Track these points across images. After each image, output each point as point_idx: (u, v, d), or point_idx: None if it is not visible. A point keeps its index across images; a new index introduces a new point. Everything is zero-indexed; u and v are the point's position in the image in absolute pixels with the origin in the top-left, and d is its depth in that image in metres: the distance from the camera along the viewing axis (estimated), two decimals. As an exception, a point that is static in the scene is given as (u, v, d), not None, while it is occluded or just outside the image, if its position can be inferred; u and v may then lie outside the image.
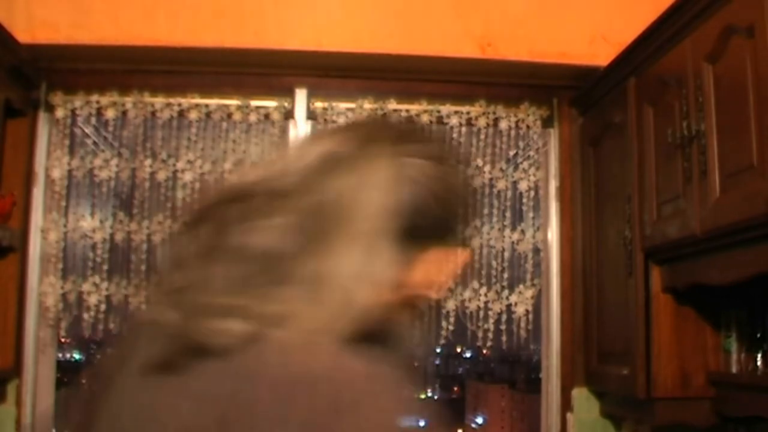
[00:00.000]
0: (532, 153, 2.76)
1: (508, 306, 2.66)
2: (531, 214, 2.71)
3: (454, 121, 2.69)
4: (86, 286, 2.58)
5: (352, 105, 2.67)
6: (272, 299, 0.80)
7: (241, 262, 0.82)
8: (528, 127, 2.72)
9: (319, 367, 0.76)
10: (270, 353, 0.77)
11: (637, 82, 2.24)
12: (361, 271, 0.84)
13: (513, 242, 2.68)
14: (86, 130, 2.72)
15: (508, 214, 2.69)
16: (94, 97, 2.62)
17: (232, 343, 0.77)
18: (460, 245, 0.98)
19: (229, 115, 2.65)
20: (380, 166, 0.88)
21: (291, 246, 0.83)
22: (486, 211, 2.69)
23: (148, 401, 0.80)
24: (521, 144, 2.77)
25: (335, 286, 0.83)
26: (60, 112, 2.60)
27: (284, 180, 0.86)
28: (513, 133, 2.72)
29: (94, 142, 2.74)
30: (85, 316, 2.56)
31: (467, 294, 2.65)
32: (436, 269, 0.94)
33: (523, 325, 2.65)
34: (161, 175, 2.62)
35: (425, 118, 2.68)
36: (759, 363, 1.97)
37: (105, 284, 2.58)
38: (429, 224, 0.89)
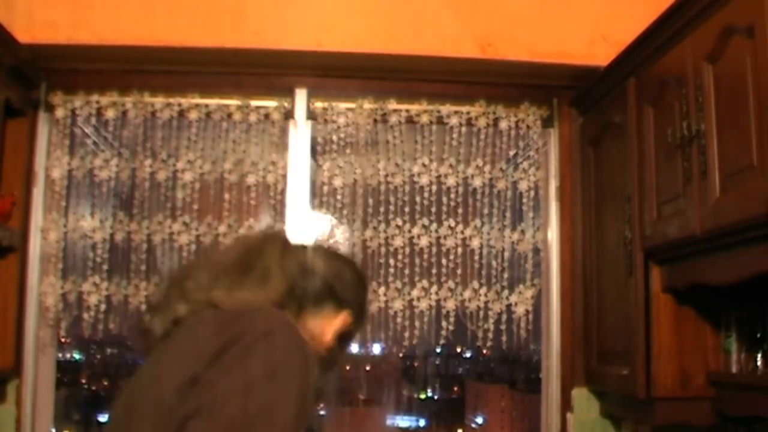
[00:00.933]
0: (532, 153, 2.76)
1: (508, 306, 2.66)
2: (531, 214, 2.71)
3: (454, 121, 2.69)
4: (86, 286, 2.58)
5: (352, 105, 2.67)
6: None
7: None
8: (528, 127, 2.72)
9: (246, 311, 1.24)
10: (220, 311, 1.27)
11: (637, 82, 2.24)
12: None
13: (513, 242, 2.68)
14: (86, 130, 2.72)
15: (508, 214, 2.69)
16: (94, 97, 2.62)
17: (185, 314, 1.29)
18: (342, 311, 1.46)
19: (229, 115, 2.65)
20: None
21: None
22: (486, 211, 2.69)
23: (153, 360, 1.27)
24: (521, 144, 2.77)
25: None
26: (60, 112, 2.60)
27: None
28: (513, 133, 2.72)
29: (94, 142, 2.74)
30: (85, 316, 2.57)
31: (467, 294, 2.65)
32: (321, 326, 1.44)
33: (523, 325, 2.65)
34: (161, 175, 2.62)
35: (425, 118, 2.68)
36: (759, 363, 1.97)
37: (105, 284, 2.58)
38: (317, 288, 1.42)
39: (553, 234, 2.72)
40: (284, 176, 2.66)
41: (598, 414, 2.61)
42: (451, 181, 2.68)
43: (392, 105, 2.67)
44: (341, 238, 2.66)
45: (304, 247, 1.47)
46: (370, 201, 2.66)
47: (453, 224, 2.66)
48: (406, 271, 2.64)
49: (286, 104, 2.67)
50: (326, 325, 1.44)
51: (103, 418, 4.11)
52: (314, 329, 1.39)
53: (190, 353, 1.16)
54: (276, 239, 1.47)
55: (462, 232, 2.66)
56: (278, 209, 2.65)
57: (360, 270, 1.58)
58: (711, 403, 2.09)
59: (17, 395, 2.49)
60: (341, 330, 1.46)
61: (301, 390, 1.13)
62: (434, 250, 2.65)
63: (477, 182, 2.68)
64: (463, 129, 2.70)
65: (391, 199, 2.66)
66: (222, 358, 1.12)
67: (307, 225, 2.66)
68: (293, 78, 2.68)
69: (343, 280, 1.46)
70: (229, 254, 1.44)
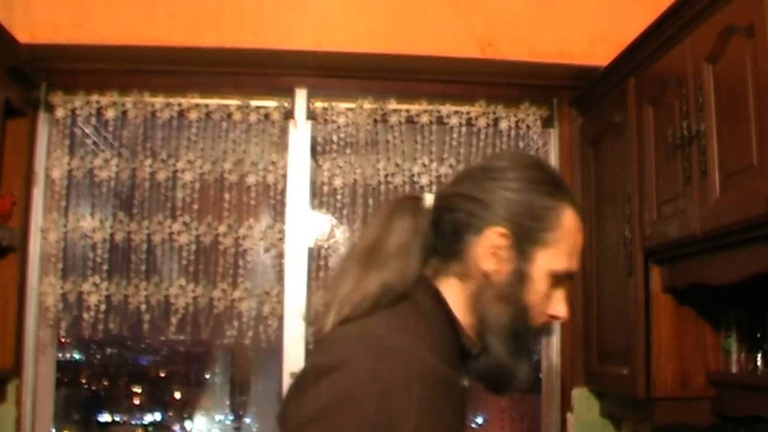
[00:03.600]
0: (532, 153, 2.76)
1: (508, 306, 2.65)
2: (531, 214, 2.71)
3: (454, 121, 2.69)
4: (86, 286, 2.58)
5: (352, 105, 2.67)
6: None
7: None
8: (528, 127, 2.72)
9: (330, 338, 1.12)
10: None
11: (637, 82, 2.24)
12: None
13: (513, 242, 2.68)
14: (86, 130, 2.72)
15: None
16: (94, 97, 2.62)
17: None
18: None
19: (229, 115, 2.65)
20: None
21: None
22: (486, 211, 2.68)
23: None
24: (521, 144, 2.77)
25: None
26: (60, 112, 2.60)
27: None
28: (513, 133, 2.72)
29: (94, 142, 2.74)
30: (85, 316, 2.56)
31: (467, 294, 2.64)
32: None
33: (523, 325, 2.65)
34: (161, 175, 2.62)
35: (425, 118, 2.68)
36: (759, 363, 1.97)
37: (105, 284, 2.58)
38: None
39: (553, 234, 2.72)
40: (284, 176, 2.66)
41: (598, 414, 2.61)
42: (451, 181, 2.67)
43: (392, 105, 2.67)
44: (341, 238, 2.66)
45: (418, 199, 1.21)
46: (370, 201, 2.66)
47: (453, 224, 2.66)
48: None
49: (286, 104, 2.67)
50: (475, 258, 1.14)
51: (102, 418, 4.11)
52: (468, 270, 1.14)
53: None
54: (399, 209, 1.20)
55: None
56: (278, 209, 2.65)
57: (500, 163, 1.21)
58: (711, 403, 2.09)
59: (17, 395, 2.49)
60: (499, 248, 1.13)
61: (368, 428, 0.97)
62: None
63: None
64: (463, 129, 2.70)
65: (391, 199, 2.66)
66: (288, 402, 1.04)
67: (307, 225, 2.66)
68: (293, 78, 2.68)
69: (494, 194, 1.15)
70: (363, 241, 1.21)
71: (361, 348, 1.02)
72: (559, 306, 1.16)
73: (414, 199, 1.21)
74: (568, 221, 1.16)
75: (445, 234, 1.16)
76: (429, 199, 1.20)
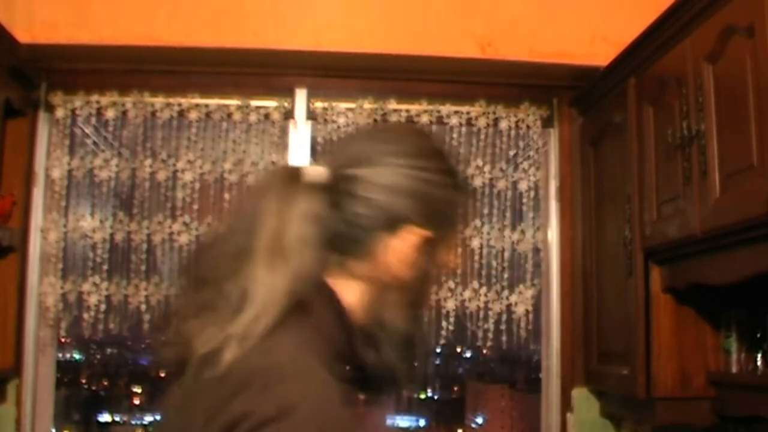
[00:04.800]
0: (532, 153, 2.76)
1: (508, 306, 2.66)
2: (531, 214, 2.71)
3: (454, 121, 2.68)
4: (86, 286, 2.57)
5: (352, 105, 2.67)
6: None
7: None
8: (528, 127, 2.72)
9: (258, 374, 0.89)
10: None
11: (637, 82, 2.23)
12: None
13: (513, 242, 2.68)
14: (86, 130, 2.72)
15: (508, 214, 2.69)
16: (94, 97, 2.62)
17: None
18: None
19: (229, 115, 2.65)
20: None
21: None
22: (486, 211, 2.69)
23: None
24: (521, 144, 2.77)
25: None
26: (60, 112, 2.60)
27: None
28: (513, 133, 2.72)
29: (94, 142, 2.74)
30: (85, 316, 2.56)
31: (467, 294, 2.64)
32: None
33: (523, 325, 2.65)
34: (161, 175, 2.62)
35: (425, 118, 2.68)
36: (759, 363, 1.97)
37: (105, 284, 2.58)
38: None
39: (553, 234, 2.72)
40: (284, 176, 2.65)
41: (598, 414, 2.61)
42: (451, 181, 2.67)
43: (392, 105, 2.67)
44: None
45: (297, 173, 1.00)
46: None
47: (453, 224, 2.66)
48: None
49: (286, 104, 2.67)
50: (386, 260, 1.00)
51: (102, 418, 4.10)
52: (375, 272, 1.00)
53: None
54: (272, 187, 0.99)
55: (462, 232, 2.66)
56: (278, 209, 2.65)
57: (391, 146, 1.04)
58: (711, 403, 2.09)
59: (17, 395, 2.49)
60: (415, 251, 1.00)
61: None
62: (434, 250, 2.64)
63: (477, 182, 2.68)
64: (463, 129, 2.70)
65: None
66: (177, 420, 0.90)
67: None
68: (293, 78, 2.68)
69: (379, 186, 0.99)
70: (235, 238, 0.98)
71: (297, 390, 0.85)
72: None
73: (297, 172, 1.00)
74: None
75: (348, 225, 0.98)
76: (316, 174, 1.00)
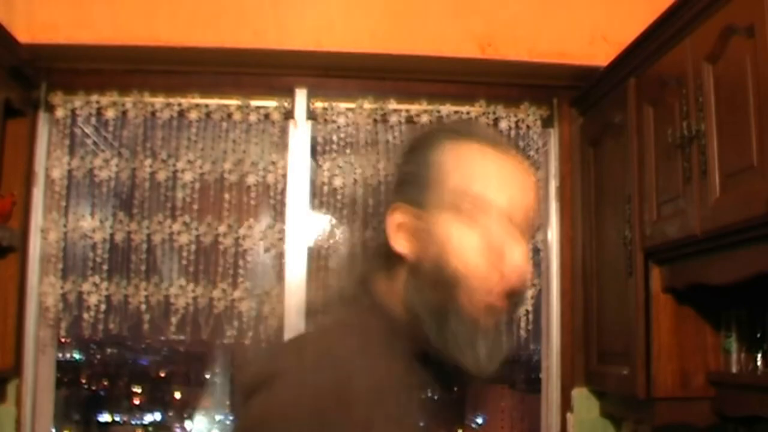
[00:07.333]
0: (532, 153, 2.76)
1: (508, 306, 2.65)
2: (531, 214, 2.71)
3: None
4: (86, 286, 2.58)
5: (352, 105, 2.67)
6: None
7: None
8: (528, 127, 2.72)
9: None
10: None
11: (637, 82, 2.23)
12: None
13: (513, 242, 2.68)
14: (86, 130, 2.72)
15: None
16: (94, 97, 2.62)
17: None
18: None
19: (229, 115, 2.65)
20: None
21: None
22: (486, 211, 2.68)
23: None
24: (521, 144, 2.77)
25: None
26: (60, 112, 2.60)
27: None
28: (513, 133, 2.72)
29: (94, 142, 2.74)
30: (85, 316, 2.56)
31: (467, 294, 2.64)
32: None
33: (523, 325, 2.65)
34: (161, 175, 2.62)
35: (425, 118, 2.68)
36: (759, 363, 1.97)
37: (105, 284, 2.58)
38: None
39: (553, 234, 2.72)
40: (284, 176, 2.66)
41: (598, 414, 2.61)
42: (451, 181, 2.67)
43: (392, 105, 2.67)
44: (341, 238, 2.66)
45: None
46: (370, 201, 2.66)
47: (453, 224, 2.65)
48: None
49: (286, 104, 2.67)
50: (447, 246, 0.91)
51: (103, 418, 4.10)
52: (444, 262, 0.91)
53: None
54: None
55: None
56: (278, 209, 2.65)
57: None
58: (711, 403, 2.09)
59: (17, 395, 2.49)
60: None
61: None
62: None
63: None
64: (463, 129, 2.69)
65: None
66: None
67: (307, 225, 2.66)
68: (293, 78, 2.68)
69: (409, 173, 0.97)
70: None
71: (296, 358, 0.86)
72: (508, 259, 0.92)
73: None
74: (450, 158, 0.94)
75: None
76: None
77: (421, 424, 0.97)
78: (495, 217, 0.92)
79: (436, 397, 1.00)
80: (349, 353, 0.87)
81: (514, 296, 0.94)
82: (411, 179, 0.96)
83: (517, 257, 0.92)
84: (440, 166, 0.94)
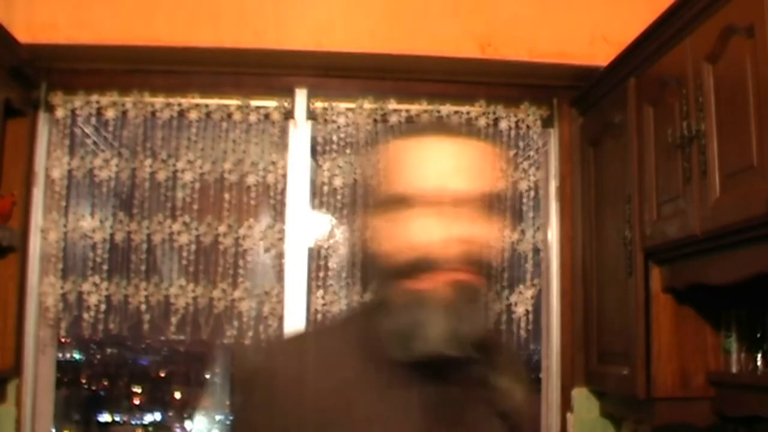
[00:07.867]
0: (532, 153, 2.76)
1: (508, 306, 2.66)
2: (531, 214, 2.71)
3: (454, 121, 2.68)
4: (86, 286, 2.58)
5: (352, 105, 2.67)
6: None
7: None
8: (528, 127, 2.72)
9: None
10: None
11: (637, 82, 2.24)
12: None
13: (513, 242, 2.68)
14: (86, 130, 2.72)
15: (507, 214, 2.69)
16: (94, 97, 2.62)
17: None
18: None
19: (229, 115, 2.65)
20: None
21: None
22: (486, 211, 2.68)
23: None
24: (521, 144, 2.77)
25: None
26: (60, 112, 2.60)
27: None
28: (513, 133, 2.72)
29: (94, 142, 2.74)
30: (85, 316, 2.56)
31: (467, 294, 2.64)
32: None
33: (523, 325, 2.65)
34: (161, 175, 2.62)
35: (425, 118, 2.68)
36: (759, 363, 1.97)
37: (105, 284, 2.58)
38: None
39: (553, 234, 2.72)
40: (284, 176, 2.66)
41: (598, 414, 2.61)
42: (451, 181, 2.67)
43: (392, 105, 2.67)
44: (341, 238, 2.66)
45: None
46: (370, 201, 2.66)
47: (453, 224, 2.65)
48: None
49: (286, 104, 2.67)
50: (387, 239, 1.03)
51: (103, 418, 4.10)
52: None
53: None
54: None
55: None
56: (278, 209, 2.65)
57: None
58: (711, 403, 2.09)
59: (17, 395, 2.49)
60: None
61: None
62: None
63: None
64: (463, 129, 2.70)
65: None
66: None
67: (307, 225, 2.66)
68: (293, 78, 2.68)
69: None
70: None
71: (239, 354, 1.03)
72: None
73: None
74: (382, 159, 1.09)
75: None
76: None
77: (420, 422, 1.00)
78: (417, 204, 0.99)
79: (435, 398, 1.02)
80: (316, 351, 1.01)
81: (457, 267, 1.03)
82: (365, 185, 1.12)
83: (436, 234, 0.98)
84: (376, 169, 1.09)
